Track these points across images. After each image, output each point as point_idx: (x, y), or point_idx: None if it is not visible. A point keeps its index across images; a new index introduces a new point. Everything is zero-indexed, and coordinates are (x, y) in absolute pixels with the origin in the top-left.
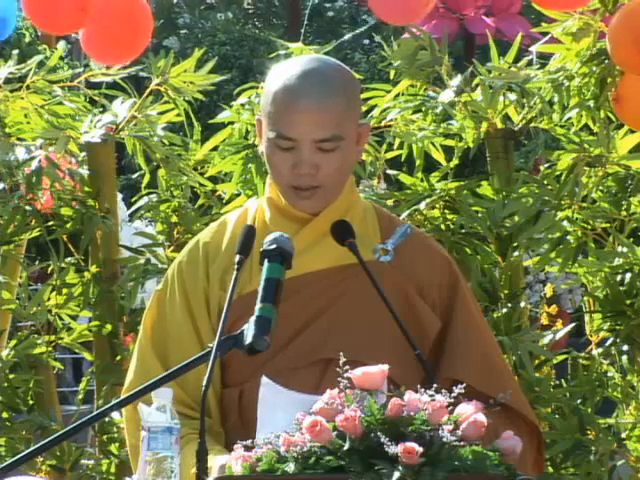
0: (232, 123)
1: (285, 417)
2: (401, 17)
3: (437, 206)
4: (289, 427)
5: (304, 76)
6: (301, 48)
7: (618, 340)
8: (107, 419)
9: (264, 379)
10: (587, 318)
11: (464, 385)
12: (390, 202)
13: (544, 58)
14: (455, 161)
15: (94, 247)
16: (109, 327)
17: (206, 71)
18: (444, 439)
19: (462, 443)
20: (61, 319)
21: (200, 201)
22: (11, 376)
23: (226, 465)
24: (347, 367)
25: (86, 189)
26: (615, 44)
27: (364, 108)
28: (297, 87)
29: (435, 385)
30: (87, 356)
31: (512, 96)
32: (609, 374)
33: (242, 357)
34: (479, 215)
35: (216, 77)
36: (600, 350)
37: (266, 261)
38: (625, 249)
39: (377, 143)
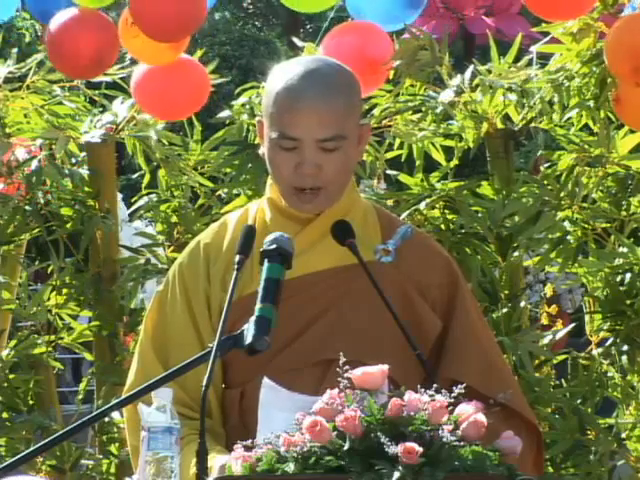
0: (232, 123)
1: (286, 419)
2: None
3: (437, 206)
4: (289, 429)
5: (306, 76)
6: (311, 48)
7: (618, 340)
8: (107, 419)
9: (265, 380)
10: (587, 318)
11: (464, 385)
12: (390, 202)
13: (544, 58)
14: (455, 161)
15: (94, 247)
16: (109, 327)
17: (209, 71)
18: (444, 439)
19: (462, 443)
20: (61, 319)
21: (200, 201)
22: (11, 376)
23: (226, 465)
24: (347, 367)
25: (86, 189)
26: (611, 57)
27: (364, 108)
28: (299, 87)
29: (435, 385)
30: (87, 356)
31: (512, 96)
32: (609, 374)
33: (243, 358)
34: (479, 215)
35: (216, 77)
36: (600, 350)
37: (266, 261)
38: (625, 249)
39: (377, 143)
